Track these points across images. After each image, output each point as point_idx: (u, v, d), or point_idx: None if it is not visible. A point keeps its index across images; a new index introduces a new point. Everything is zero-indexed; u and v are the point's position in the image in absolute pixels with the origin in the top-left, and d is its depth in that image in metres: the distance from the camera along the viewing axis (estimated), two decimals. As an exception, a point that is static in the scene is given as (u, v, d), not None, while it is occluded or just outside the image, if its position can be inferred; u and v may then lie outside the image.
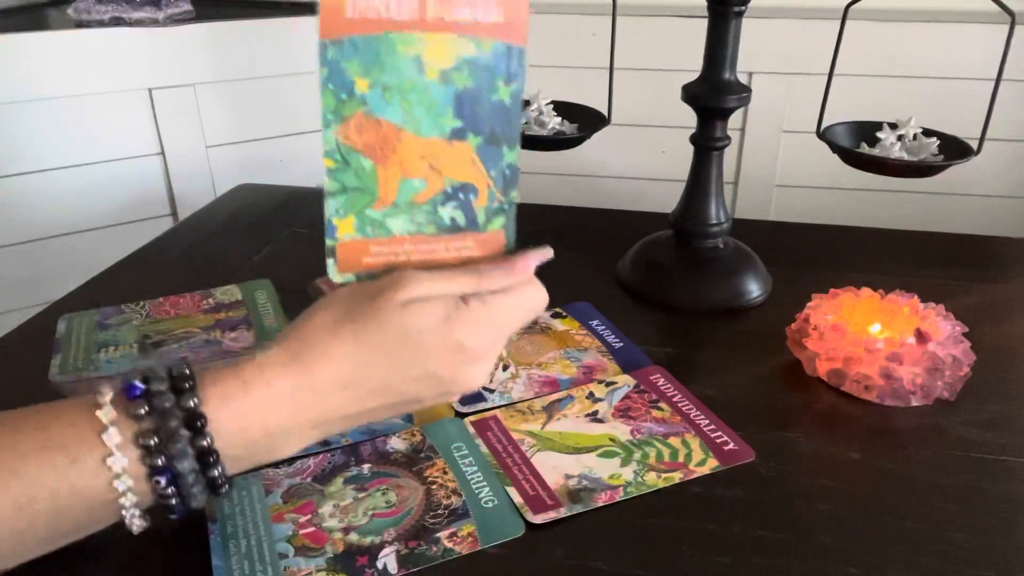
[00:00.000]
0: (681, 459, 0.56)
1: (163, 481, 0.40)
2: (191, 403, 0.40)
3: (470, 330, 0.43)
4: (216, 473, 0.41)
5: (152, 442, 0.39)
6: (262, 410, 0.42)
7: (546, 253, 0.47)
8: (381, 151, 0.44)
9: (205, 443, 0.40)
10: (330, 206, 0.44)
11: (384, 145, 0.43)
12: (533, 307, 0.47)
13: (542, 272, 0.48)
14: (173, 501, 0.41)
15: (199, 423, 0.40)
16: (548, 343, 0.70)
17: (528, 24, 0.44)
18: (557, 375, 0.65)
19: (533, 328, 0.72)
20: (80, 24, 1.30)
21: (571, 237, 0.90)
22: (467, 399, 0.62)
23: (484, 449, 0.57)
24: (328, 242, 0.45)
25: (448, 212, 0.46)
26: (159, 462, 0.40)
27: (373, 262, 0.46)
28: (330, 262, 0.45)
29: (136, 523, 0.41)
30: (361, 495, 0.53)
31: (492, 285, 0.45)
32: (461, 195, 0.45)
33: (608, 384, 0.64)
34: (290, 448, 0.44)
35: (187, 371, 0.41)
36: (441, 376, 0.44)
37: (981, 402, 0.62)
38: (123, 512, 0.40)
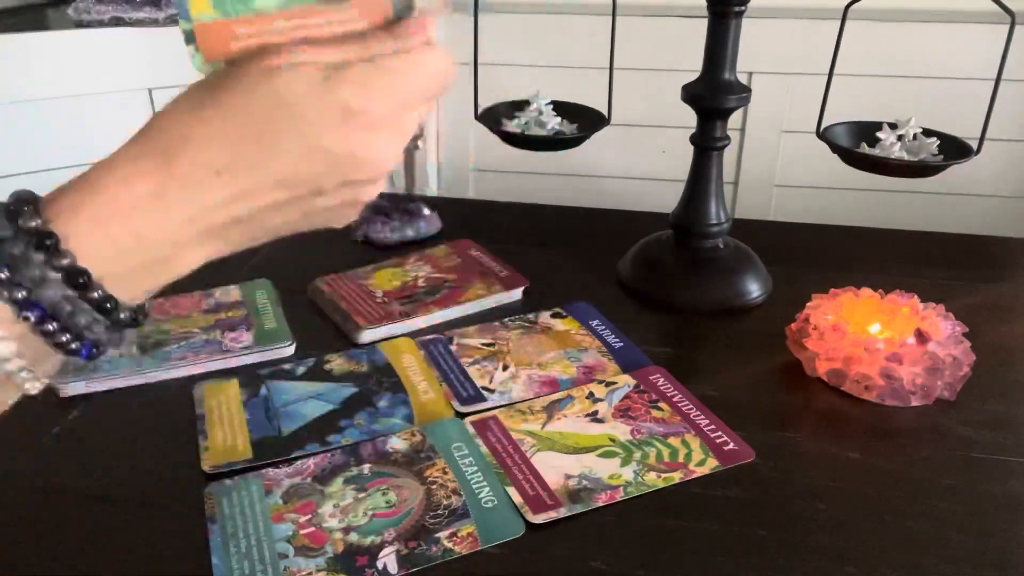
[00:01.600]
0: (681, 459, 0.56)
1: (33, 316, 0.35)
2: (33, 223, 0.35)
3: (356, 90, 0.37)
4: (98, 295, 0.36)
5: (3, 275, 0.34)
6: (124, 214, 0.36)
7: (440, 10, 0.40)
8: None
9: (65, 262, 0.35)
10: None
11: None
12: (434, 70, 0.40)
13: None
14: (65, 338, 0.36)
15: (48, 242, 0.35)
16: (548, 343, 0.70)
17: None
18: (557, 375, 0.65)
19: (533, 328, 0.72)
20: (80, 24, 1.30)
21: (571, 237, 0.90)
22: (467, 399, 0.62)
23: (484, 449, 0.57)
24: (183, 25, 0.39)
25: None
26: (19, 295, 0.35)
27: (243, 45, 0.39)
28: (190, 49, 0.39)
29: (30, 384, 0.37)
30: (361, 495, 0.53)
31: (380, 49, 0.38)
32: None
33: (608, 384, 0.64)
34: (187, 260, 0.38)
35: (28, 194, 0.37)
36: (332, 150, 0.37)
37: (981, 402, 0.62)
38: (8, 369, 0.35)
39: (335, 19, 0.40)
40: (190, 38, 0.39)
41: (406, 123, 0.39)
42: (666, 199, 0.85)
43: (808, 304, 0.68)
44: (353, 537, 0.50)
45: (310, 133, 0.37)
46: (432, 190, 1.54)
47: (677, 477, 0.55)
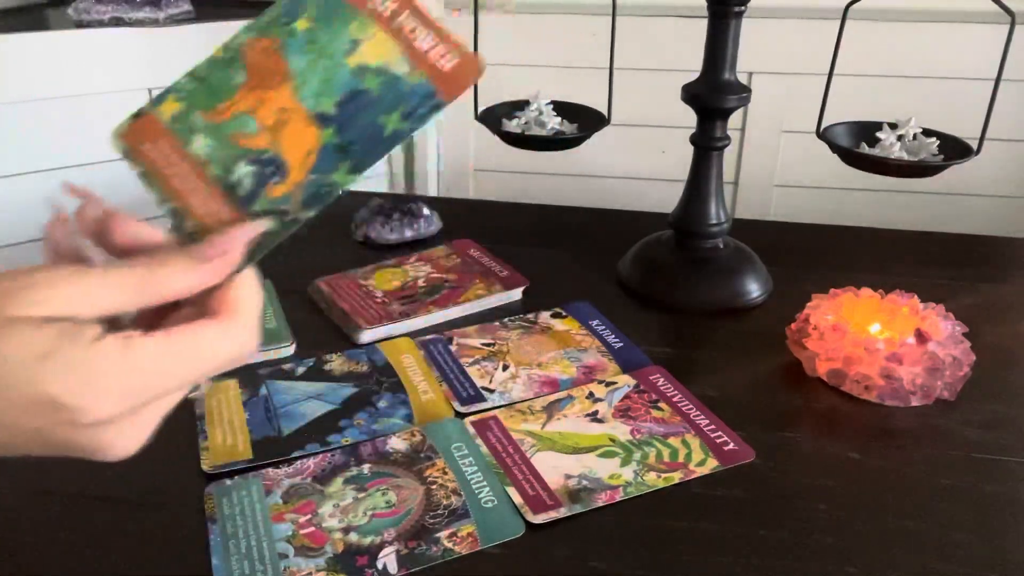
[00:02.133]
0: (681, 459, 0.56)
1: None
2: None
3: (71, 380, 0.30)
4: None
5: None
6: None
7: (255, 227, 0.36)
8: (257, 79, 0.42)
9: None
10: (179, 81, 0.42)
11: (265, 77, 0.42)
12: (206, 358, 0.33)
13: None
14: None
15: None
16: (548, 343, 0.70)
17: (468, 87, 0.43)
18: (557, 375, 0.65)
19: (533, 328, 0.72)
20: (80, 24, 1.30)
21: (571, 237, 0.90)
22: (467, 399, 0.62)
23: (484, 449, 0.57)
24: (143, 105, 0.42)
25: (242, 170, 0.41)
26: None
27: (148, 154, 0.41)
28: (125, 120, 0.41)
29: None
30: (361, 495, 0.53)
31: (164, 282, 0.33)
32: (268, 169, 0.41)
33: (608, 384, 0.64)
34: None
35: None
36: (46, 439, 0.32)
37: (981, 402, 0.62)
38: None
39: (209, 205, 0.40)
40: (136, 114, 0.41)
41: (138, 415, 0.33)
42: (666, 199, 0.85)
43: (808, 304, 0.68)
44: (353, 537, 0.50)
45: (16, 414, 0.31)
46: (432, 190, 1.54)
47: (677, 477, 0.55)
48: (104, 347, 0.31)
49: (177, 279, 0.33)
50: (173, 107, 0.42)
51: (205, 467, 0.55)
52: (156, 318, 0.35)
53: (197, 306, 0.35)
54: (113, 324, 0.32)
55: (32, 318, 0.31)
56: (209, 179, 0.41)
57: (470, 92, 0.79)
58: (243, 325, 0.34)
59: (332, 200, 0.41)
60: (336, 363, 0.67)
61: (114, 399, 0.31)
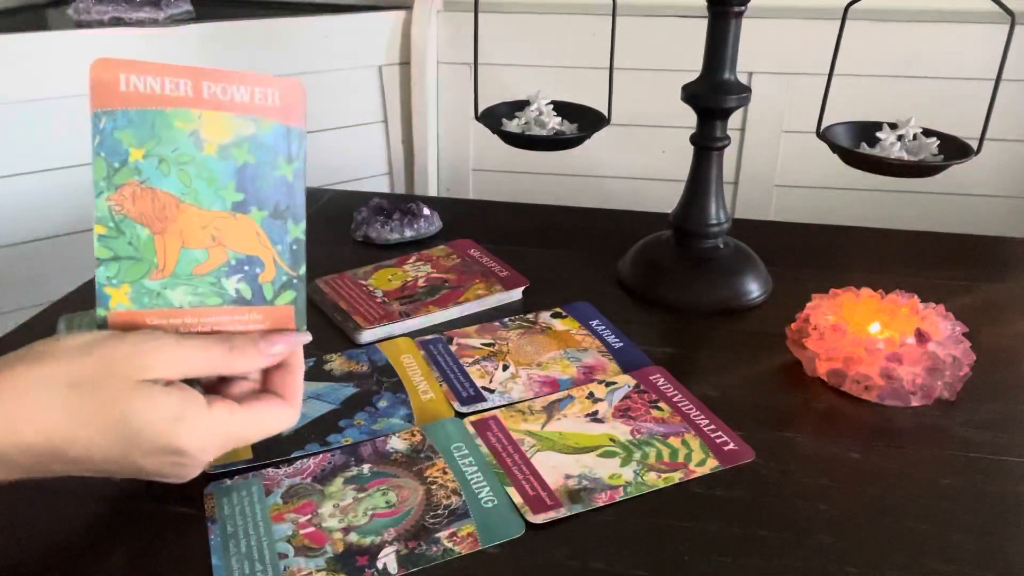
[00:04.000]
0: (681, 459, 0.56)
1: None
2: None
3: (197, 438, 0.42)
4: None
5: None
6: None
7: (303, 338, 0.47)
8: (159, 220, 0.43)
9: None
10: (100, 274, 0.43)
11: (161, 215, 0.43)
12: (273, 428, 0.46)
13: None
14: None
15: None
16: (548, 343, 0.70)
17: (306, 108, 0.45)
18: (557, 375, 0.65)
19: (533, 328, 0.72)
20: (80, 24, 1.30)
21: (571, 237, 0.90)
22: (467, 399, 0.62)
23: (484, 449, 0.57)
24: (99, 312, 0.44)
25: (233, 284, 0.45)
26: None
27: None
28: (101, 322, 0.44)
29: None
30: (361, 495, 0.53)
31: (239, 365, 0.44)
32: (247, 268, 0.45)
33: (608, 384, 0.64)
34: None
35: None
36: (145, 469, 0.43)
37: (981, 402, 0.62)
38: None
39: (239, 319, 0.46)
40: (103, 323, 0.44)
41: (216, 456, 0.45)
42: (666, 199, 0.85)
43: (808, 304, 0.68)
44: (353, 537, 0.50)
45: (136, 456, 0.42)
46: (432, 190, 1.54)
47: (677, 477, 0.55)
48: (217, 413, 0.43)
49: (246, 362, 0.44)
50: (122, 292, 0.44)
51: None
52: (218, 383, 0.47)
53: (249, 379, 0.47)
54: (189, 382, 0.44)
55: (156, 382, 0.41)
56: (217, 308, 0.46)
57: (470, 92, 0.79)
58: (296, 408, 0.47)
59: (304, 248, 0.46)
60: (336, 363, 0.67)
61: (216, 447, 0.44)
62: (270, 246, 0.46)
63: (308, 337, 0.47)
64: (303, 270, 0.47)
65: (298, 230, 0.46)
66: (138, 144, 0.42)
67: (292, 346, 0.46)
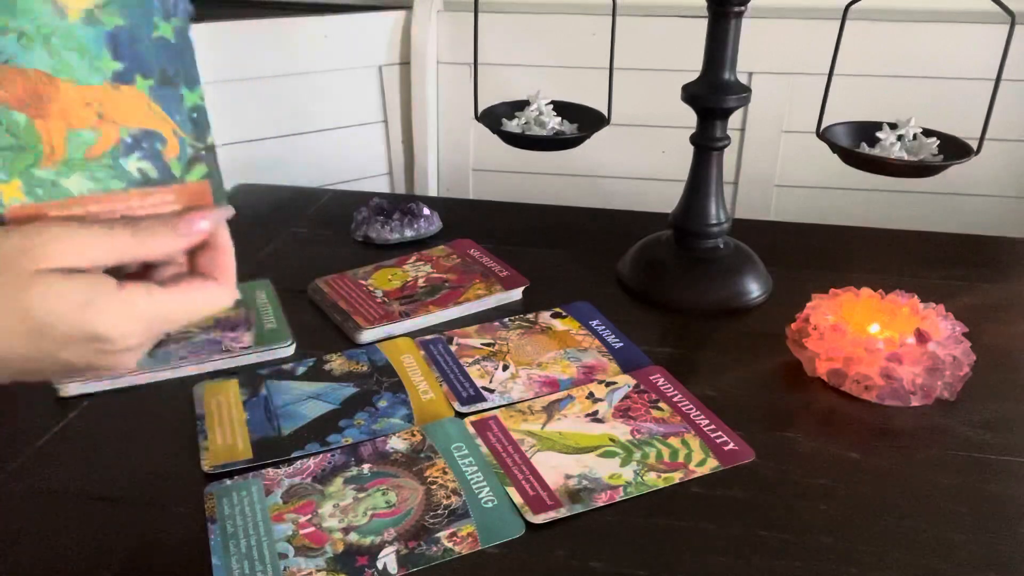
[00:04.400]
0: (681, 459, 0.56)
1: None
2: None
3: (115, 321, 0.39)
4: None
5: None
6: None
7: (224, 212, 0.43)
8: (35, 104, 0.40)
9: None
10: None
11: (37, 96, 0.40)
12: (203, 309, 0.42)
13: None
14: None
15: None
16: (548, 343, 0.70)
17: None
18: (557, 375, 0.65)
19: (533, 328, 0.72)
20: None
21: (571, 237, 0.90)
22: (467, 399, 0.62)
23: (484, 449, 0.57)
24: None
25: (134, 164, 0.41)
26: None
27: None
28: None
29: None
30: (361, 495, 0.53)
31: (151, 248, 0.40)
32: (145, 144, 0.41)
33: (608, 384, 0.64)
34: None
35: None
36: (72, 363, 0.40)
37: (981, 402, 0.62)
38: None
39: (149, 203, 0.42)
40: (1, 222, 0.40)
41: (156, 339, 0.42)
42: (666, 199, 0.85)
43: (808, 304, 0.68)
44: (353, 537, 0.50)
45: (52, 349, 0.39)
46: (432, 190, 1.54)
47: (677, 477, 0.55)
48: (131, 293, 0.40)
49: (160, 246, 0.41)
50: (13, 186, 0.41)
51: (205, 467, 0.55)
52: (145, 272, 0.43)
53: (174, 264, 0.44)
54: (112, 273, 0.40)
55: (55, 270, 0.38)
56: (124, 193, 0.42)
57: (470, 92, 0.79)
58: (230, 287, 0.43)
59: (207, 116, 0.42)
60: (336, 363, 0.67)
61: (140, 332, 0.40)
62: (167, 117, 0.41)
63: (230, 211, 0.43)
64: (211, 139, 0.42)
65: (195, 96, 0.42)
66: None
67: (214, 222, 0.42)
